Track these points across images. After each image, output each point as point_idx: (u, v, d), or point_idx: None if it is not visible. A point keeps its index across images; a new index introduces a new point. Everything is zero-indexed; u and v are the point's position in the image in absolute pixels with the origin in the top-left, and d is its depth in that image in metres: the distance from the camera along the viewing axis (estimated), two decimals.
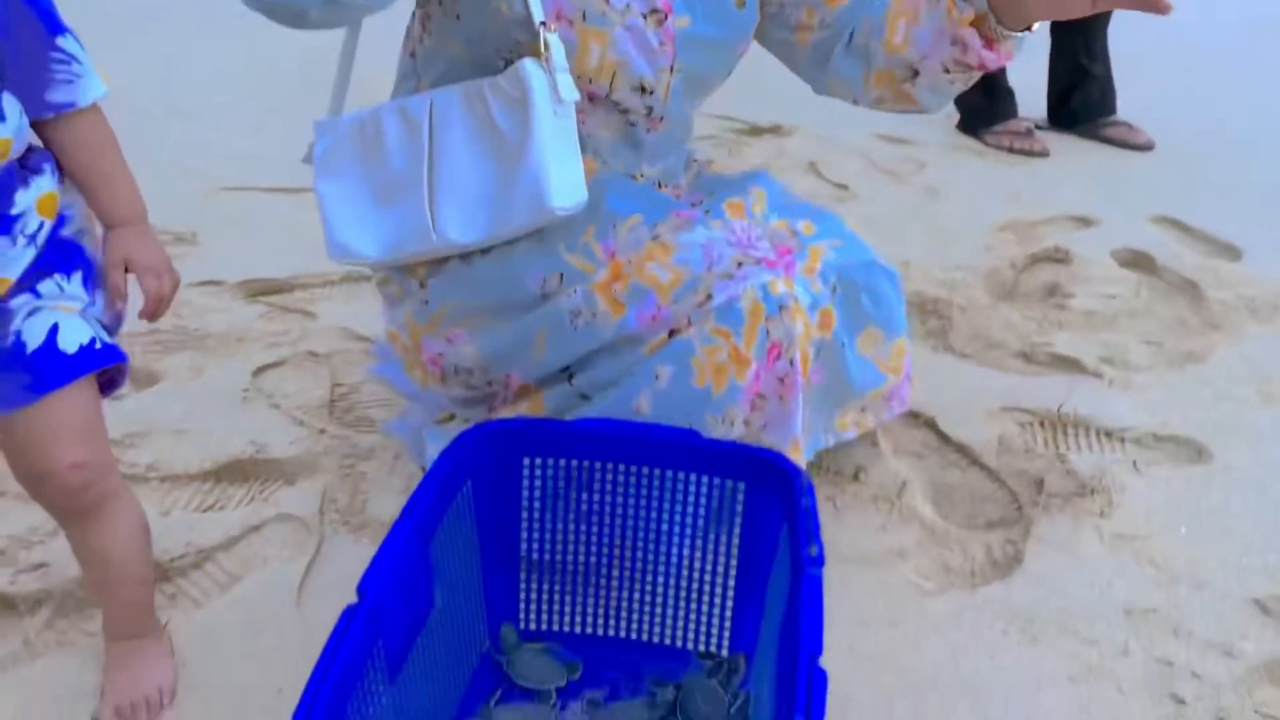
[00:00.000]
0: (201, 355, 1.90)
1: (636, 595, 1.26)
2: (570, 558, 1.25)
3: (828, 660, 1.29)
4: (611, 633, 1.28)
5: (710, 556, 1.23)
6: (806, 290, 1.29)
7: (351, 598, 1.36)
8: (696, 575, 1.24)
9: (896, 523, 1.55)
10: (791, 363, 1.26)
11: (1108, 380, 1.94)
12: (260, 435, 1.66)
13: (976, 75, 1.34)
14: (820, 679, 0.86)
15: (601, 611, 1.28)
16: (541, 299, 1.32)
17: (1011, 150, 3.27)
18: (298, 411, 1.72)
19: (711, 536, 1.22)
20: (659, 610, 1.27)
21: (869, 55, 1.38)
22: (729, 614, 1.24)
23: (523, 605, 1.27)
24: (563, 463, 1.20)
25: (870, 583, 1.43)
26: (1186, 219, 2.74)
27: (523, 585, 1.26)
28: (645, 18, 1.30)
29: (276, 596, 1.35)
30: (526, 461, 1.20)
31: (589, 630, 1.28)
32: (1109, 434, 1.78)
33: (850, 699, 1.24)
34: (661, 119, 1.39)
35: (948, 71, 1.32)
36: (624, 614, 1.27)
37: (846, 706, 1.22)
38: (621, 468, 1.21)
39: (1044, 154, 3.23)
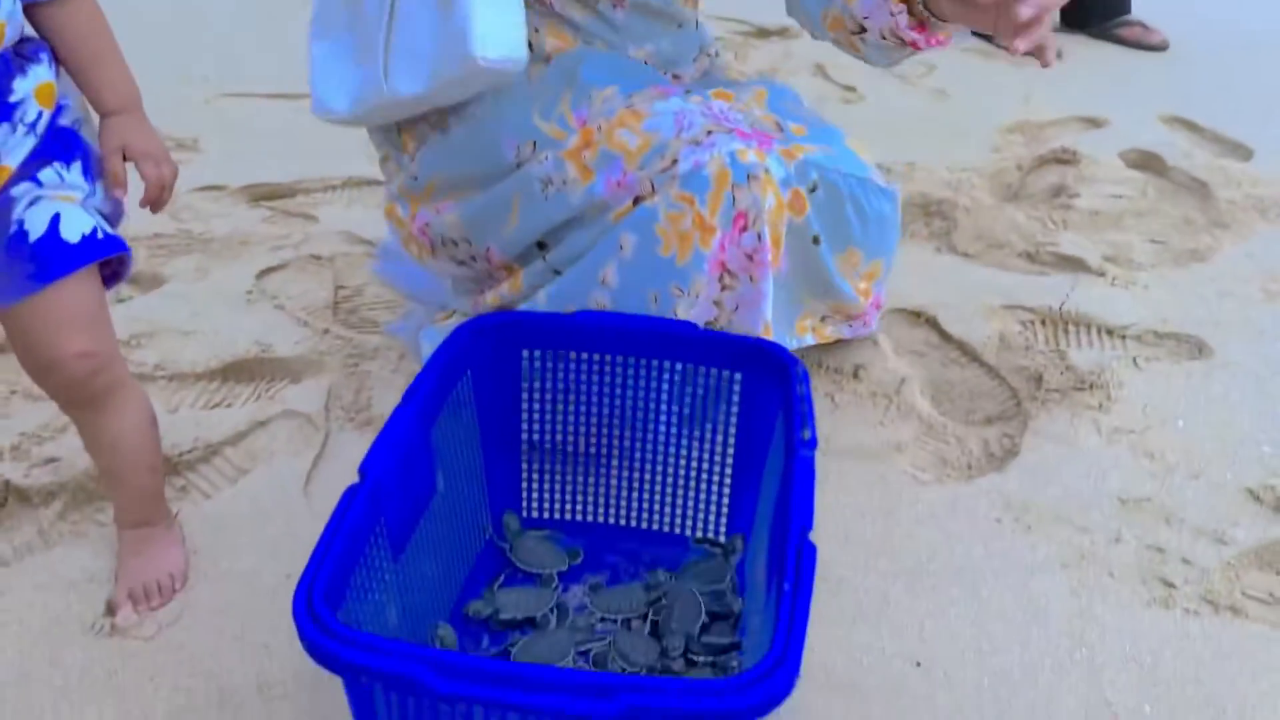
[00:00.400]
0: (206, 258, 1.91)
1: (635, 483, 1.28)
2: (571, 447, 1.27)
3: (824, 547, 1.32)
4: (612, 520, 1.31)
5: (707, 445, 1.25)
6: (780, 165, 1.27)
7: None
8: (694, 463, 1.26)
9: (894, 418, 1.56)
10: (760, 237, 1.26)
11: (1110, 278, 1.93)
12: (265, 335, 1.67)
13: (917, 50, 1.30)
14: (809, 552, 0.88)
15: (601, 500, 1.30)
16: (515, 168, 1.33)
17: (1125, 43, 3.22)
18: (302, 312, 1.74)
19: (709, 425, 1.24)
20: (657, 498, 1.29)
21: None
22: (725, 500, 1.27)
23: (525, 493, 1.30)
24: (561, 354, 1.22)
25: (866, 475, 1.45)
26: (1198, 119, 2.70)
27: (524, 474, 1.29)
28: None
29: (284, 488, 1.38)
30: (525, 354, 1.22)
31: (589, 518, 1.31)
32: (1110, 331, 1.78)
33: (844, 582, 1.27)
34: None
35: (884, 39, 1.29)
36: (623, 502, 1.30)
37: (840, 589, 1.25)
38: (620, 359, 1.22)
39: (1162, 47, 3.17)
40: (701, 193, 1.23)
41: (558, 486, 1.30)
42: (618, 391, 1.25)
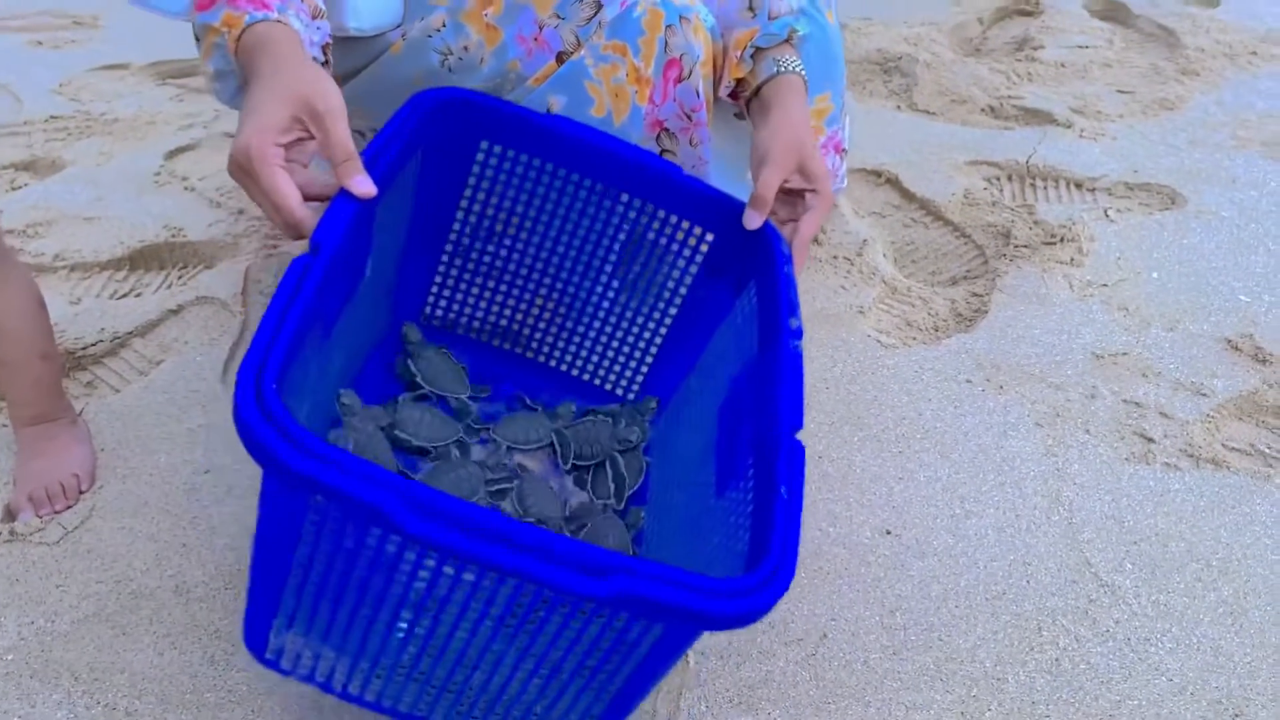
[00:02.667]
0: (109, 140, 1.75)
1: (557, 319, 1.16)
2: (500, 262, 1.13)
3: None
4: (518, 350, 1.19)
5: (650, 297, 1.13)
6: (707, 11, 1.13)
7: None
8: (629, 313, 1.15)
9: (856, 281, 1.47)
10: (698, 93, 1.12)
11: (1078, 130, 1.84)
12: (176, 219, 1.53)
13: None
14: (800, 452, 0.79)
15: (514, 327, 1.18)
16: (402, 40, 1.15)
17: None
18: (214, 194, 1.60)
19: (659, 277, 1.12)
20: (577, 339, 1.17)
21: None
22: (648, 359, 1.16)
23: (433, 295, 1.16)
24: (523, 157, 1.07)
25: (828, 340, 1.36)
26: None
27: (439, 275, 1.15)
28: None
29: (200, 378, 1.26)
30: (484, 145, 1.07)
31: (494, 343, 1.19)
32: (1079, 184, 1.69)
33: (808, 450, 1.18)
34: None
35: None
36: (538, 335, 1.18)
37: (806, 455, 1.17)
38: (586, 181, 1.07)
39: None
40: (634, 40, 1.08)
41: (470, 299, 1.17)
42: (571, 215, 1.10)
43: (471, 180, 1.07)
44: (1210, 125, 1.88)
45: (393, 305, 1.13)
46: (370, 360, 1.12)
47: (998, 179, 1.71)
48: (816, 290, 1.45)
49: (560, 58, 1.10)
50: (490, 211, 1.10)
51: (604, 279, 1.13)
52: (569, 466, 1.09)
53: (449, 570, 0.67)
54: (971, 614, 1.01)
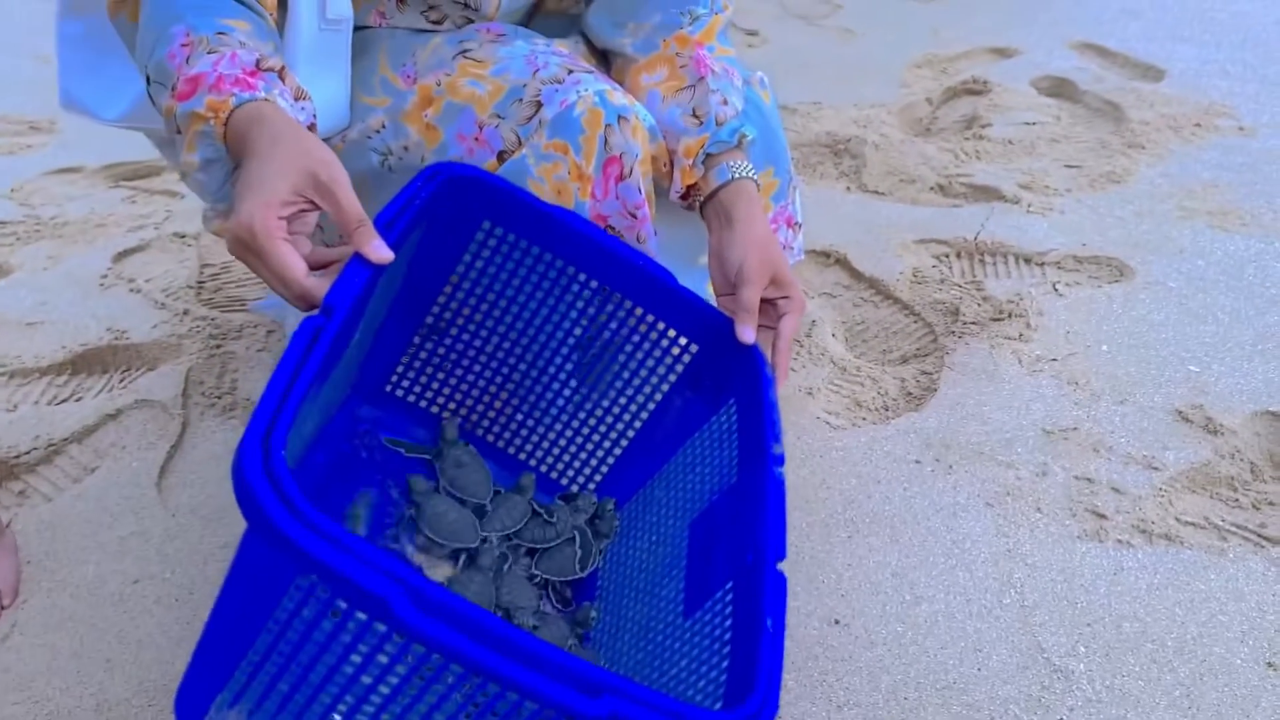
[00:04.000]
0: (58, 244, 1.75)
1: (525, 409, 1.14)
2: (475, 341, 1.11)
3: None
4: (480, 433, 1.16)
5: (622, 399, 1.12)
6: (646, 114, 1.13)
7: (223, 480, 1.26)
8: (599, 412, 1.13)
9: (806, 362, 1.46)
10: (639, 189, 1.11)
11: (1026, 206, 1.85)
12: (120, 321, 1.52)
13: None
14: (783, 584, 0.78)
15: (481, 409, 1.14)
16: (340, 147, 1.14)
17: None
18: (160, 295, 1.59)
19: (635, 381, 1.11)
20: (540, 431, 1.15)
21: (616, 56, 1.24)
22: (610, 460, 1.14)
23: (402, 367, 1.13)
24: (521, 243, 1.05)
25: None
26: (1108, 43, 2.64)
27: (412, 348, 1.12)
28: None
29: (134, 485, 1.24)
30: (486, 225, 1.05)
31: (469, 426, 1.16)
32: (1027, 259, 1.70)
33: None
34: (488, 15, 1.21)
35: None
36: (502, 421, 1.15)
37: None
38: (581, 276, 1.06)
39: None
40: (575, 138, 1.07)
41: (438, 377, 1.13)
42: (559, 306, 1.08)
43: (466, 258, 1.06)
44: (1157, 197, 1.89)
45: (359, 373, 1.11)
46: (337, 419, 1.08)
47: (946, 256, 1.71)
48: None
49: (501, 156, 1.09)
50: (478, 291, 1.08)
51: (578, 372, 1.11)
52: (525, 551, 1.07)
53: (426, 670, 0.64)
54: (921, 706, 0.98)
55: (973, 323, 1.52)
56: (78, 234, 1.78)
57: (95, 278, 1.64)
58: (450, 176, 0.98)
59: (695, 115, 1.15)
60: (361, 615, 0.62)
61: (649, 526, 1.06)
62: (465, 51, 1.12)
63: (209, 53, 0.91)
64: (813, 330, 1.51)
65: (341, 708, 0.69)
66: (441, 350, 1.12)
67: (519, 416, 1.15)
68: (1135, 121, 2.18)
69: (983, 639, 1.05)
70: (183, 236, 1.75)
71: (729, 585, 0.85)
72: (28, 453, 1.28)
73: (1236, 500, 1.23)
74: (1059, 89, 2.38)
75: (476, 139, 1.09)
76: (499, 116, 1.07)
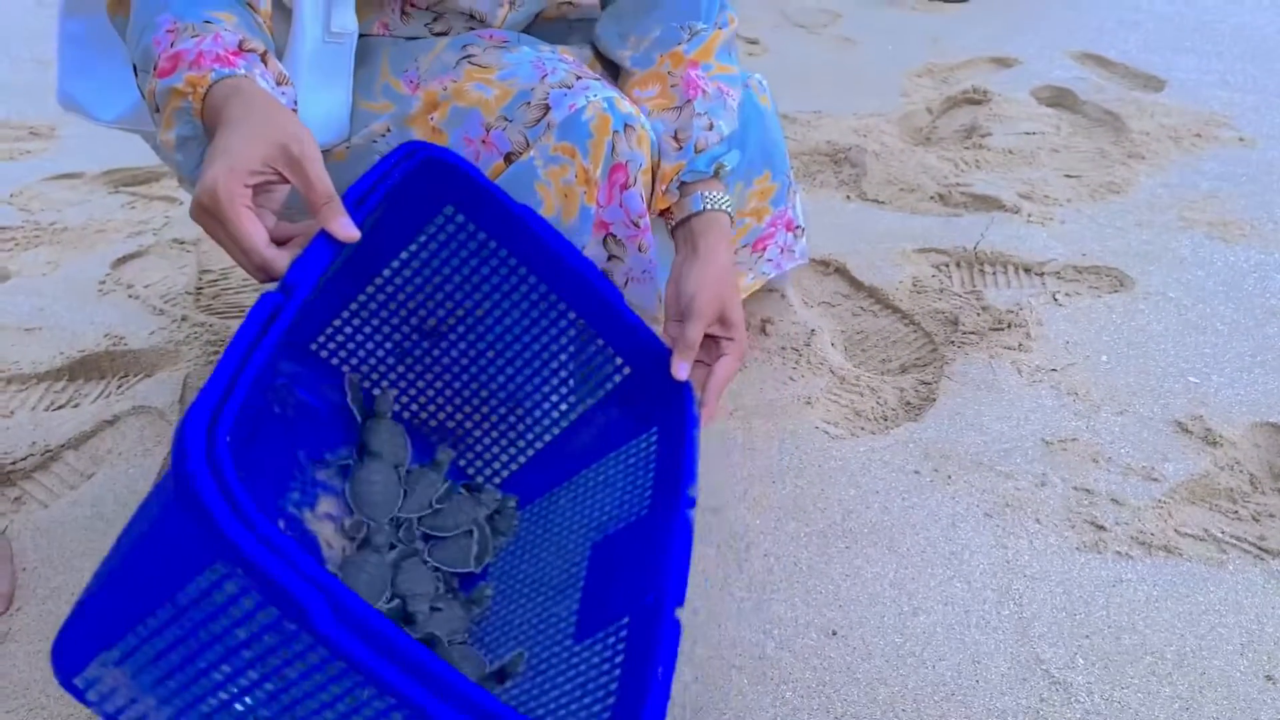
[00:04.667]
0: (57, 250, 1.75)
1: (446, 393, 1.13)
2: (410, 319, 1.09)
3: (730, 513, 1.22)
4: (404, 413, 1.14)
5: (546, 405, 1.11)
6: (652, 127, 1.14)
7: None
8: (520, 412, 1.12)
9: (804, 372, 1.46)
10: (642, 198, 1.12)
11: (1026, 215, 1.85)
12: (118, 327, 1.52)
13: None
14: (678, 631, 0.77)
15: (402, 384, 1.13)
16: (346, 151, 1.14)
17: None
18: (159, 301, 1.59)
19: (561, 390, 1.10)
20: (458, 419, 1.13)
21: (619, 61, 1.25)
22: (521, 459, 1.13)
23: (331, 329, 1.09)
24: (480, 235, 1.03)
25: (775, 433, 1.34)
26: (1108, 54, 2.64)
27: (346, 314, 1.09)
28: None
29: (131, 491, 1.23)
30: (448, 210, 1.03)
31: (375, 391, 1.14)
32: (1027, 268, 1.70)
33: (752, 549, 1.16)
34: (494, 26, 1.22)
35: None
36: (420, 401, 1.13)
37: (749, 557, 1.15)
38: (531, 278, 1.05)
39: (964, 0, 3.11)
40: (583, 142, 1.07)
41: (366, 346, 1.10)
42: (503, 303, 1.07)
43: (421, 238, 1.04)
44: (1157, 207, 1.89)
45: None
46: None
47: (946, 266, 1.71)
48: (764, 381, 1.43)
49: (508, 158, 1.09)
50: (425, 272, 1.06)
51: (508, 370, 1.10)
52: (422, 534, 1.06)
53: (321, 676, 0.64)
54: (919, 717, 0.98)
55: (972, 332, 1.52)
56: (77, 239, 1.78)
57: (94, 284, 1.64)
58: (425, 157, 0.97)
59: (676, 138, 1.16)
60: (272, 611, 0.62)
61: (548, 536, 1.05)
62: (470, 57, 1.12)
63: (192, 36, 0.91)
64: (811, 339, 1.51)
65: (229, 689, 0.69)
66: (375, 321, 1.09)
67: (439, 399, 1.13)
68: (1135, 132, 2.18)
69: (981, 650, 1.04)
70: (182, 242, 1.75)
71: (625, 620, 0.84)
72: (24, 459, 1.27)
73: (1236, 512, 1.23)
74: (1059, 99, 2.39)
75: (484, 141, 1.09)
76: (506, 119, 1.07)
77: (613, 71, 1.28)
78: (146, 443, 1.31)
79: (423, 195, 1.01)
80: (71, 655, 0.74)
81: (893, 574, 1.13)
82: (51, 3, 3.01)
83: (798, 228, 1.46)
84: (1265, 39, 2.83)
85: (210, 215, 0.78)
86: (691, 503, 0.88)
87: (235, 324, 1.53)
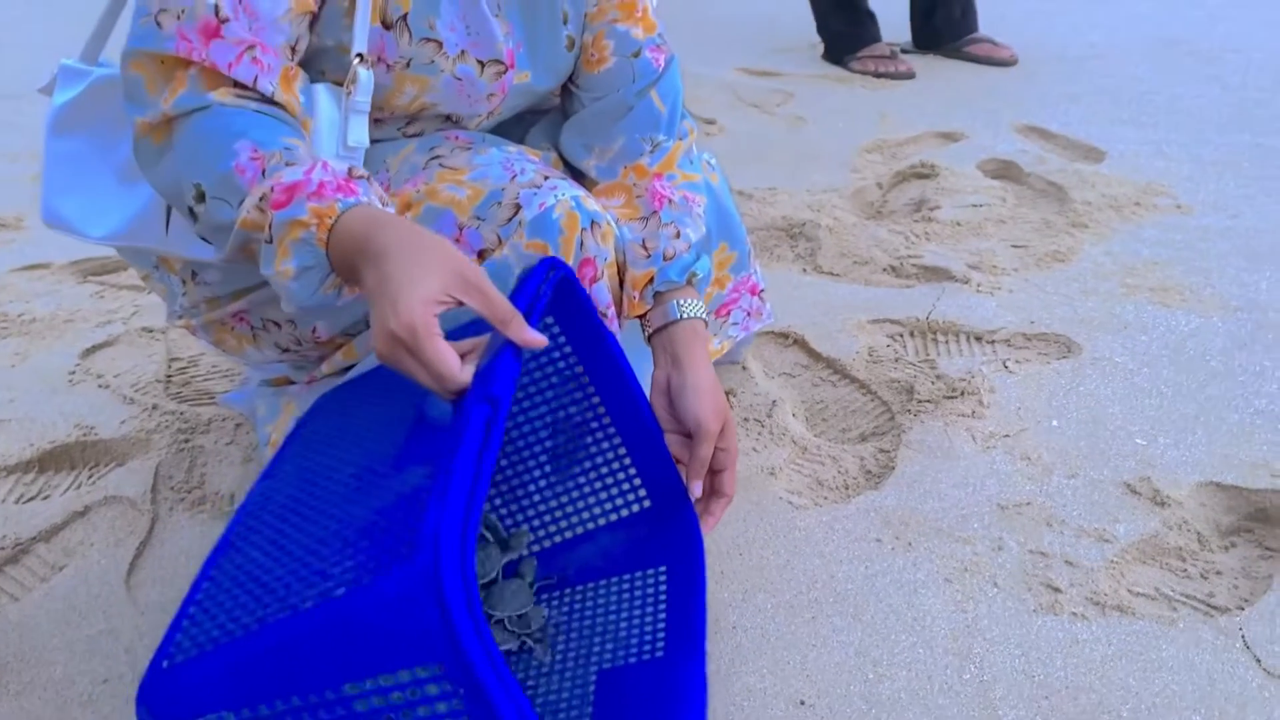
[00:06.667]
0: (26, 341, 1.76)
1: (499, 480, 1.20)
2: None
3: None
4: None
5: (569, 509, 1.18)
6: (616, 224, 1.19)
7: (192, 575, 1.27)
8: (544, 509, 1.18)
9: (767, 442, 1.50)
10: (609, 291, 1.16)
11: (975, 285, 1.92)
12: (88, 417, 1.53)
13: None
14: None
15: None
16: None
17: (877, 75, 3.25)
18: (129, 390, 1.60)
19: (587, 499, 1.17)
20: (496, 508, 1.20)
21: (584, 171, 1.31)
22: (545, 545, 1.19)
23: None
24: (567, 348, 1.11)
25: (741, 504, 1.37)
26: (1050, 126, 2.75)
27: None
28: (482, 66, 1.17)
29: (103, 582, 1.24)
30: (549, 320, 1.09)
31: None
32: (978, 337, 1.76)
33: (720, 622, 1.19)
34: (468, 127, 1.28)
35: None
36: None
37: (717, 630, 1.17)
38: (593, 394, 1.12)
39: (909, 76, 3.22)
40: (554, 239, 1.11)
41: None
42: (566, 408, 1.15)
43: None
44: (1101, 275, 1.97)
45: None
46: None
47: (900, 336, 1.77)
48: None
49: (481, 255, 1.12)
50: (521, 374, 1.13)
51: (546, 470, 1.16)
52: None
53: None
54: None
55: (927, 400, 1.57)
56: (45, 330, 1.79)
57: (63, 374, 1.65)
58: (563, 275, 1.03)
59: (645, 247, 1.21)
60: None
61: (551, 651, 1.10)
62: (438, 158, 1.16)
63: (287, 165, 0.95)
64: (773, 410, 1.55)
65: None
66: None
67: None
68: (1078, 202, 2.27)
69: (944, 715, 1.07)
70: (151, 331, 1.77)
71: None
72: None
73: (1185, 570, 1.27)
74: (1004, 171, 2.48)
75: (457, 239, 1.13)
76: (479, 219, 1.12)
77: (575, 175, 1.33)
78: (118, 533, 1.32)
79: (561, 310, 1.08)
80: (170, 700, 0.69)
81: (858, 642, 1.16)
82: (14, 92, 3.05)
83: (761, 290, 1.51)
84: (1199, 110, 2.96)
85: (405, 348, 0.81)
86: (703, 657, 0.96)
87: (206, 411, 1.55)
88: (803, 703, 1.09)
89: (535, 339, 0.86)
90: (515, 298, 0.93)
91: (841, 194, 2.31)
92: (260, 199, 0.94)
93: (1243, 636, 1.16)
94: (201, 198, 0.98)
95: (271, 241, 0.94)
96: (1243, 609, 1.20)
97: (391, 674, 0.66)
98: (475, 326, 0.98)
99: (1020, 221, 2.21)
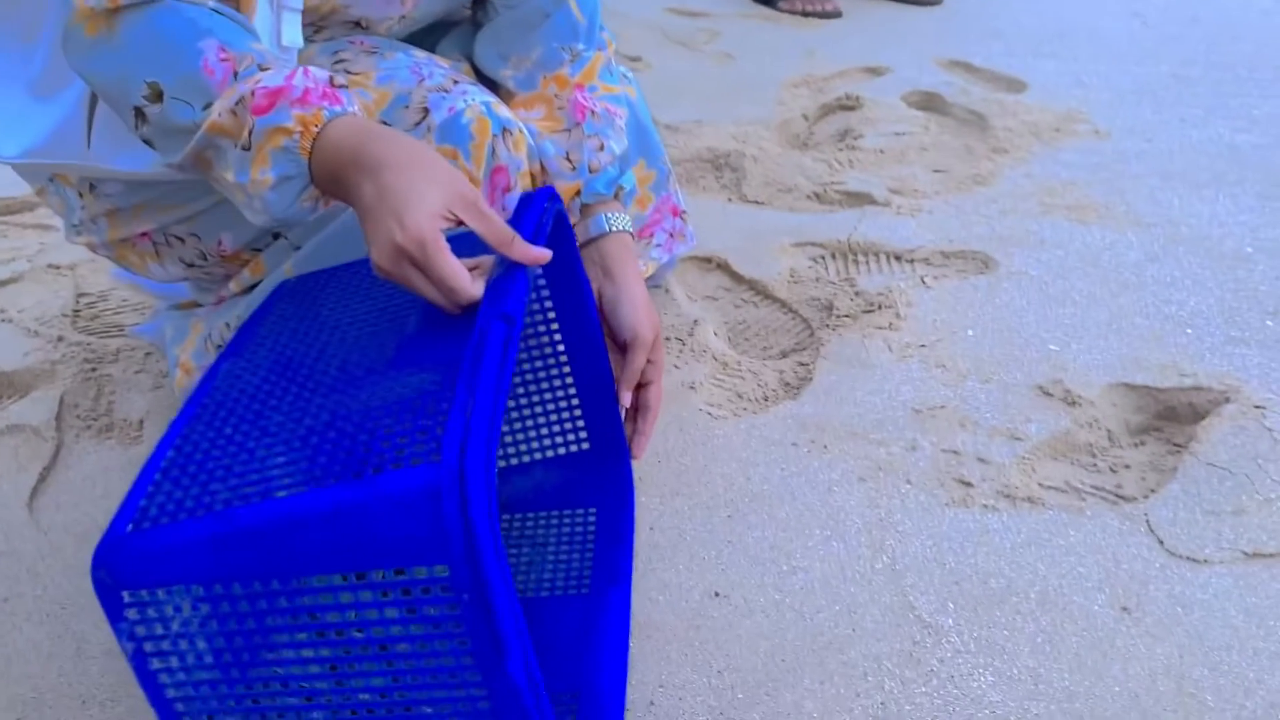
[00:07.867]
0: None
1: None
2: None
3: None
4: None
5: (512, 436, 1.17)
6: (529, 134, 1.16)
7: (99, 498, 1.24)
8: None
9: (688, 359, 1.50)
10: None
11: (896, 208, 1.93)
12: None
13: None
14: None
15: None
16: None
17: (805, 14, 3.24)
18: (34, 323, 1.56)
19: (527, 433, 1.17)
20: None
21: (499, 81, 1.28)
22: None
23: None
24: (541, 280, 1.09)
25: (660, 418, 1.37)
26: (974, 60, 2.77)
27: None
28: None
29: (5, 507, 1.21)
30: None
31: None
32: (897, 256, 1.77)
33: (639, 523, 1.19)
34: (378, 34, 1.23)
35: None
36: None
37: (636, 530, 1.17)
38: (555, 328, 1.12)
39: (836, 15, 3.22)
40: (464, 144, 1.07)
41: None
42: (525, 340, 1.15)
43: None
44: (1019, 196, 1.99)
45: None
46: None
47: (822, 258, 1.77)
48: None
49: None
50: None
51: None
52: None
53: None
54: (798, 667, 1.01)
55: (846, 315, 1.58)
56: None
57: None
58: (559, 208, 1.02)
59: (569, 159, 1.19)
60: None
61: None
62: (342, 63, 1.13)
63: (261, 69, 0.91)
64: (695, 330, 1.55)
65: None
66: None
67: None
68: (999, 129, 2.29)
69: (856, 602, 1.08)
70: (57, 267, 1.73)
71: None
72: None
73: (1095, 465, 1.29)
74: (928, 102, 2.49)
75: None
76: (385, 123, 1.08)
77: (490, 86, 1.30)
78: (21, 459, 1.29)
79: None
80: (133, 566, 0.65)
81: (772, 538, 1.17)
82: None
83: (682, 211, 1.50)
84: (1116, 41, 2.99)
85: (412, 262, 0.80)
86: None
87: (114, 342, 1.51)
88: (717, 594, 1.09)
89: (540, 254, 0.85)
90: (516, 224, 0.91)
91: (767, 126, 2.31)
92: (238, 102, 0.90)
93: (1147, 521, 1.19)
94: (157, 97, 0.93)
95: (250, 149, 0.89)
96: (1148, 498, 1.23)
97: (388, 570, 0.65)
98: (458, 245, 0.97)
99: (942, 148, 2.22)
